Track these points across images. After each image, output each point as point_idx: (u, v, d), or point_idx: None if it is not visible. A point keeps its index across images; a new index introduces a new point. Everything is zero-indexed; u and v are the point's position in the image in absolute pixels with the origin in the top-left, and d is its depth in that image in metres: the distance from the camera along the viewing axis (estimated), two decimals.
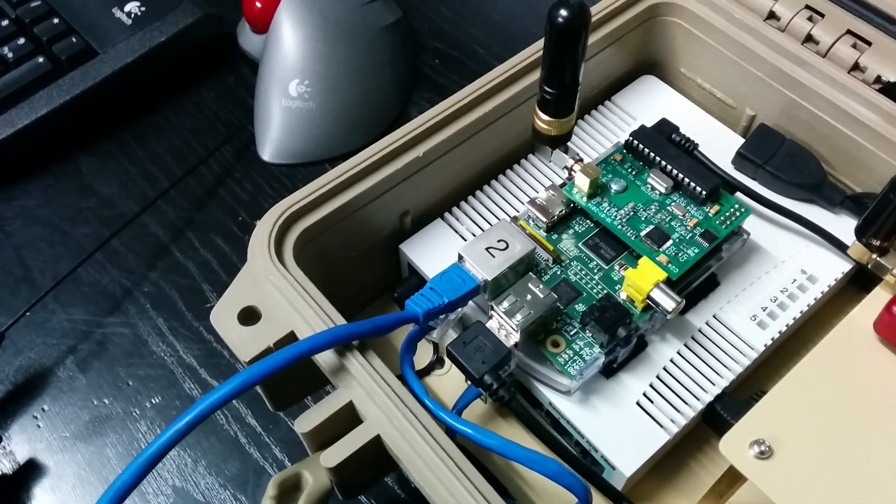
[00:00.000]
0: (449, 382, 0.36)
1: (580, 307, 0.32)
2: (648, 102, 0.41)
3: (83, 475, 0.37)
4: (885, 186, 0.27)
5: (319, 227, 0.32)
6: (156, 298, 0.42)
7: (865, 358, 0.28)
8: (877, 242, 0.28)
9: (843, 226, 0.35)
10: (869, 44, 0.36)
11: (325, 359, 0.28)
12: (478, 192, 0.37)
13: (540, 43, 0.36)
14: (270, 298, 0.29)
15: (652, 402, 0.32)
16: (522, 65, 0.36)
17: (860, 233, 0.29)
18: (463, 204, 0.37)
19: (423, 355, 0.36)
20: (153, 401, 0.39)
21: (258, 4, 0.48)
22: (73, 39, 0.48)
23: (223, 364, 0.40)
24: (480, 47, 0.52)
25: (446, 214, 0.37)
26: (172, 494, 0.36)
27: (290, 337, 0.29)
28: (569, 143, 0.33)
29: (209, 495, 0.36)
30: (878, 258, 0.29)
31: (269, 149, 0.47)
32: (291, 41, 0.46)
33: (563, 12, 0.28)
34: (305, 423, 0.27)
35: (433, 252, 0.35)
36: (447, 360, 0.36)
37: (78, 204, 0.46)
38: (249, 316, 0.29)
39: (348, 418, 0.27)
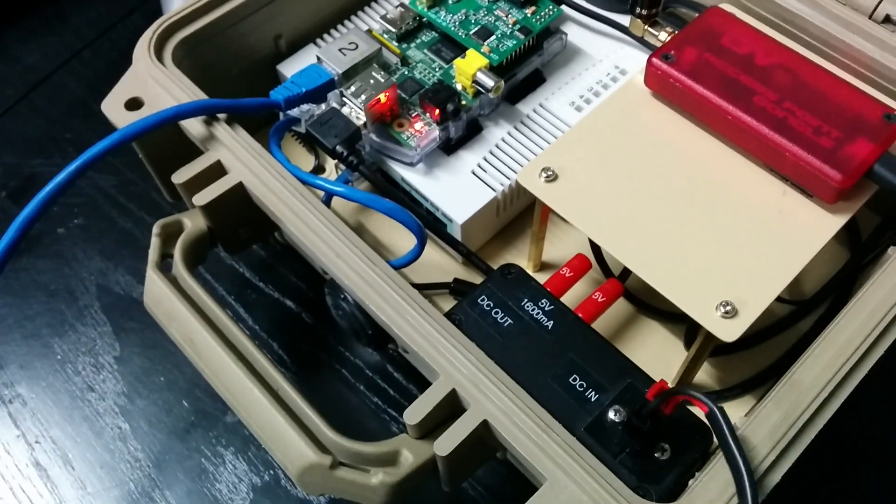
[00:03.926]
0: None
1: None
2: None
3: (12, 287, 0.43)
4: None
5: (196, 38, 0.37)
6: (77, 142, 0.48)
7: (639, 107, 0.35)
8: (644, 12, 0.34)
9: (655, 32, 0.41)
10: None
11: (194, 129, 0.34)
12: (346, 21, 0.43)
13: None
14: (152, 91, 0.35)
15: (485, 171, 0.38)
16: None
17: (631, 9, 0.35)
18: (333, 31, 0.43)
19: (304, 163, 0.43)
20: (76, 221, 0.45)
21: None
22: None
23: (137, 191, 0.46)
24: None
25: (318, 40, 0.42)
26: (97, 290, 0.43)
27: None
28: None
29: (128, 290, 0.43)
30: (648, 28, 0.35)
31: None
32: None
33: None
34: (181, 175, 0.33)
35: None
36: (328, 167, 0.43)
37: (4, 71, 0.51)
38: (134, 105, 0.35)
39: (216, 174, 0.33)
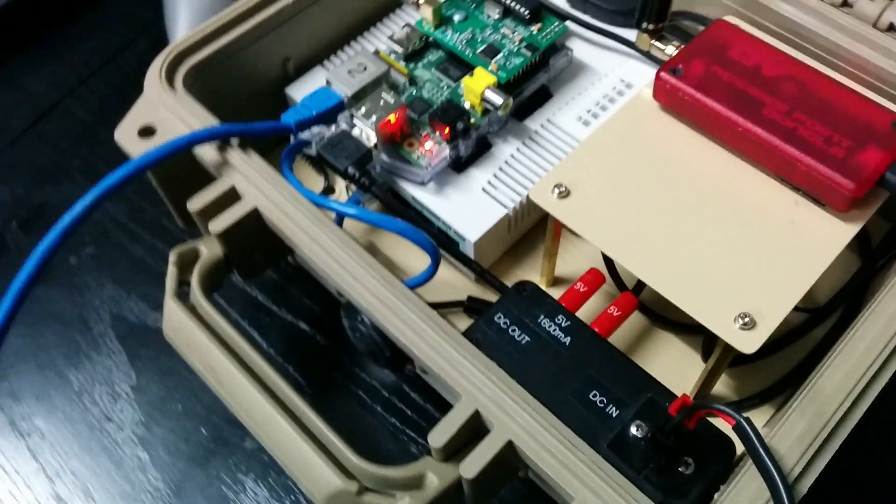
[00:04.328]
0: None
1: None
2: None
3: (26, 318, 0.43)
4: None
5: (206, 64, 0.38)
6: (85, 169, 0.48)
7: (648, 121, 0.35)
8: (650, 27, 0.35)
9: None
10: None
11: (207, 155, 0.34)
12: (353, 43, 0.43)
13: None
14: (164, 118, 0.35)
15: (495, 188, 0.38)
16: None
17: (638, 24, 0.35)
18: (340, 52, 0.43)
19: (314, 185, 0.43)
20: (88, 250, 0.45)
21: None
22: None
23: (148, 217, 0.46)
24: None
25: (325, 62, 0.43)
26: (110, 319, 0.43)
27: None
28: None
29: (142, 317, 0.43)
30: (655, 42, 0.35)
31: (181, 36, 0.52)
32: None
33: None
34: (196, 203, 0.33)
35: None
36: (337, 187, 0.43)
37: (12, 100, 0.51)
38: (147, 132, 0.35)
39: (231, 199, 0.33)
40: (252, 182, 0.33)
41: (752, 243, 0.31)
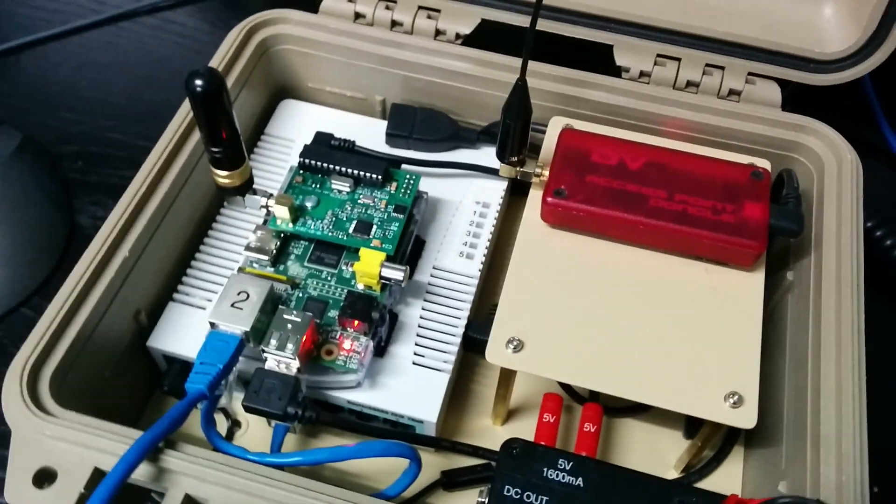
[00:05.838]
0: (255, 436, 0.38)
1: (333, 313, 0.36)
2: (298, 122, 0.45)
3: None
4: (501, 115, 0.35)
5: (65, 364, 0.32)
6: None
7: (548, 244, 0.36)
8: (514, 158, 0.36)
9: (488, 154, 0.43)
10: (438, 11, 0.43)
11: (141, 474, 0.28)
12: (193, 263, 0.39)
13: (183, 110, 0.39)
14: (56, 450, 0.29)
15: (423, 356, 0.37)
16: (179, 133, 0.38)
17: (500, 156, 0.36)
18: (185, 279, 0.38)
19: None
20: None
21: None
22: None
23: None
24: (116, 133, 0.52)
25: (175, 295, 0.38)
26: None
27: (97, 474, 0.29)
28: (253, 185, 0.37)
29: None
30: (521, 169, 0.36)
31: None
32: None
33: (200, 81, 0.31)
34: None
35: (180, 333, 0.36)
36: (242, 419, 0.38)
37: None
38: (45, 477, 0.29)
39: None
40: (207, 480, 0.29)
41: (694, 322, 0.34)
